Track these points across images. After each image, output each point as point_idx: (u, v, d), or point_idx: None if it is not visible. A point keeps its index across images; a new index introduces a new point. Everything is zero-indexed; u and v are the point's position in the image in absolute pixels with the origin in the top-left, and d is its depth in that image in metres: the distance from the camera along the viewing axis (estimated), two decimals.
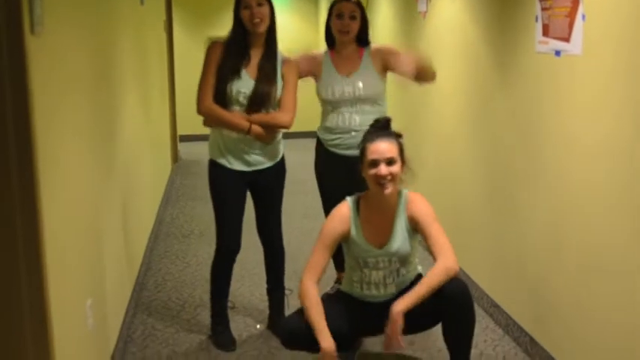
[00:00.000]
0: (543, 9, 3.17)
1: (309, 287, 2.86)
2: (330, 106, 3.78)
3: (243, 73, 3.43)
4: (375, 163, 2.88)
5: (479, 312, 4.02)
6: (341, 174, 3.66)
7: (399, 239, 2.95)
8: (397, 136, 2.97)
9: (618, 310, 2.70)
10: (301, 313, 2.89)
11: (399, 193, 2.99)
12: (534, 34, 3.26)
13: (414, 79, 3.63)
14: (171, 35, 8.53)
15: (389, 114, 3.59)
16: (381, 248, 2.95)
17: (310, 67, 3.82)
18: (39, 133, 2.09)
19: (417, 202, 2.98)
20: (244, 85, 3.42)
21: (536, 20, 3.23)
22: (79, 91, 2.81)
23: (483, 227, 4.07)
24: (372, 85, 3.74)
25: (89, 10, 3.10)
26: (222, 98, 3.41)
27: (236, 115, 3.41)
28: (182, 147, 9.11)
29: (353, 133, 3.70)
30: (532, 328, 3.45)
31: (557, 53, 3.06)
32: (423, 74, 3.64)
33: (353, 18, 3.73)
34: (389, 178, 2.87)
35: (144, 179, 5.05)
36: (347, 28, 3.73)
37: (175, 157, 8.61)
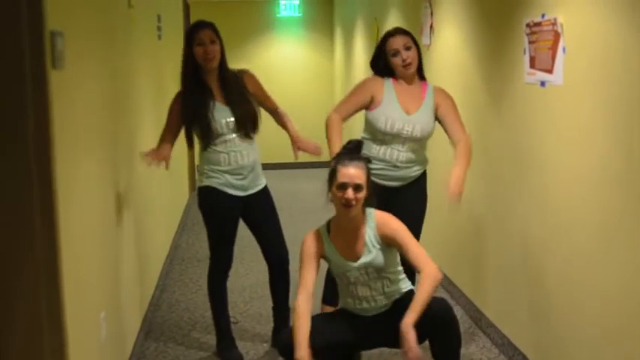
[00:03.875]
0: (530, 42, 3.37)
1: (299, 303, 3.05)
2: (380, 135, 3.69)
3: (217, 104, 3.63)
4: (343, 186, 3.06)
5: (477, 332, 4.18)
6: (375, 202, 3.33)
7: (372, 252, 3.12)
8: (366, 161, 3.16)
9: (605, 323, 2.86)
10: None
11: (365, 213, 3.16)
12: (523, 66, 3.47)
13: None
14: None
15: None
16: (355, 262, 3.14)
17: (366, 96, 3.71)
18: (58, 156, 2.32)
19: (386, 221, 3.15)
20: (226, 113, 3.62)
21: (524, 53, 3.44)
22: (97, 120, 3.04)
23: (481, 250, 4.24)
24: (428, 128, 3.72)
25: (108, 45, 3.35)
26: (213, 132, 3.61)
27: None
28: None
29: (397, 166, 3.73)
30: (525, 347, 3.60)
31: (543, 84, 3.26)
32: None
33: (408, 48, 3.67)
34: (353, 202, 3.06)
35: (160, 206, 5.28)
36: (409, 60, 3.66)
37: (192, 186, 8.85)
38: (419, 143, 3.74)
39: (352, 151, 3.18)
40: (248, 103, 3.70)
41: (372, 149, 3.71)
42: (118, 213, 3.48)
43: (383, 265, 3.12)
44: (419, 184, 3.83)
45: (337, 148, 3.55)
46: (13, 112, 2.20)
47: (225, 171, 3.69)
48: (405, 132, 3.66)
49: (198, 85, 3.65)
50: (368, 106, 3.74)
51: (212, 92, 3.65)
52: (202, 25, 3.68)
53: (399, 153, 3.70)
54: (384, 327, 3.09)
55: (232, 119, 3.63)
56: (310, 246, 3.17)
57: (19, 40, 2.18)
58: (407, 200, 3.77)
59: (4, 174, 2.22)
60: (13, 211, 2.24)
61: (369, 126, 3.76)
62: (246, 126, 3.67)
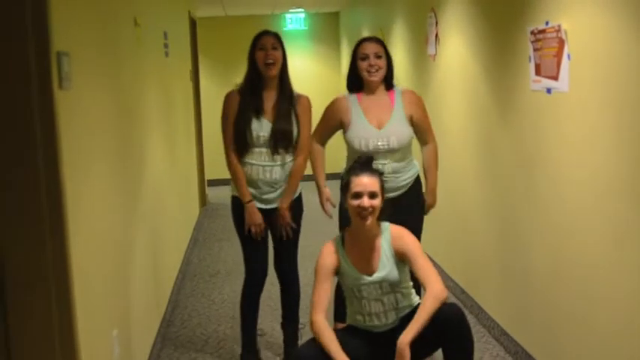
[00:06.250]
0: (535, 50, 3.38)
1: (318, 320, 3.03)
2: (360, 154, 3.64)
3: (261, 117, 3.66)
4: (358, 195, 3.07)
5: (490, 341, 4.16)
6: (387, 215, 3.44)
7: (387, 266, 3.11)
8: (379, 174, 3.17)
9: (616, 329, 2.85)
10: (312, 342, 3.06)
11: (381, 226, 3.17)
12: (529, 73, 3.47)
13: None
14: (197, 84, 8.87)
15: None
16: (370, 275, 3.13)
17: (336, 121, 3.83)
18: (66, 176, 2.33)
19: (402, 236, 3.14)
20: (263, 128, 3.65)
21: (530, 60, 3.44)
22: (105, 138, 3.06)
23: (492, 257, 4.22)
24: (404, 136, 3.72)
25: (114, 64, 3.37)
26: (244, 142, 3.66)
27: (243, 183, 3.70)
28: (210, 191, 9.38)
29: (385, 179, 3.63)
30: (539, 355, 3.58)
31: (549, 91, 3.26)
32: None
33: (379, 57, 3.72)
34: (370, 210, 3.06)
35: (170, 221, 5.30)
36: (375, 67, 3.71)
37: (203, 200, 8.87)
38: (401, 152, 3.74)
39: (364, 164, 3.19)
40: (289, 123, 3.70)
41: None
42: (128, 231, 3.49)
43: (397, 279, 3.12)
44: (413, 193, 3.83)
45: (321, 180, 3.90)
46: (20, 134, 2.21)
47: (245, 180, 3.72)
48: (381, 147, 3.69)
49: (253, 93, 3.69)
50: (341, 128, 3.82)
51: (262, 104, 3.68)
52: (266, 32, 3.77)
53: (383, 166, 3.65)
54: (391, 344, 3.08)
55: (266, 134, 3.65)
56: (326, 261, 3.15)
57: (25, 61, 2.20)
58: (401, 211, 3.60)
59: (13, 196, 2.23)
60: (23, 230, 2.25)
61: (348, 146, 3.81)
62: (277, 144, 3.66)
